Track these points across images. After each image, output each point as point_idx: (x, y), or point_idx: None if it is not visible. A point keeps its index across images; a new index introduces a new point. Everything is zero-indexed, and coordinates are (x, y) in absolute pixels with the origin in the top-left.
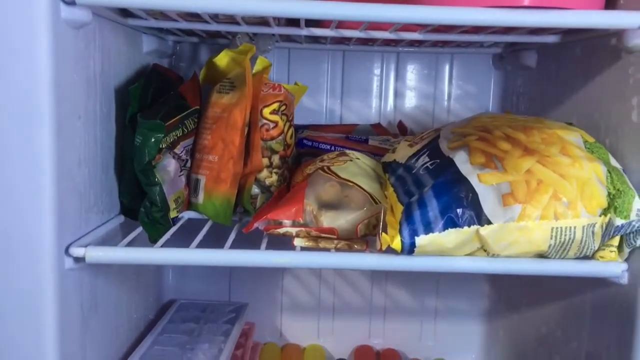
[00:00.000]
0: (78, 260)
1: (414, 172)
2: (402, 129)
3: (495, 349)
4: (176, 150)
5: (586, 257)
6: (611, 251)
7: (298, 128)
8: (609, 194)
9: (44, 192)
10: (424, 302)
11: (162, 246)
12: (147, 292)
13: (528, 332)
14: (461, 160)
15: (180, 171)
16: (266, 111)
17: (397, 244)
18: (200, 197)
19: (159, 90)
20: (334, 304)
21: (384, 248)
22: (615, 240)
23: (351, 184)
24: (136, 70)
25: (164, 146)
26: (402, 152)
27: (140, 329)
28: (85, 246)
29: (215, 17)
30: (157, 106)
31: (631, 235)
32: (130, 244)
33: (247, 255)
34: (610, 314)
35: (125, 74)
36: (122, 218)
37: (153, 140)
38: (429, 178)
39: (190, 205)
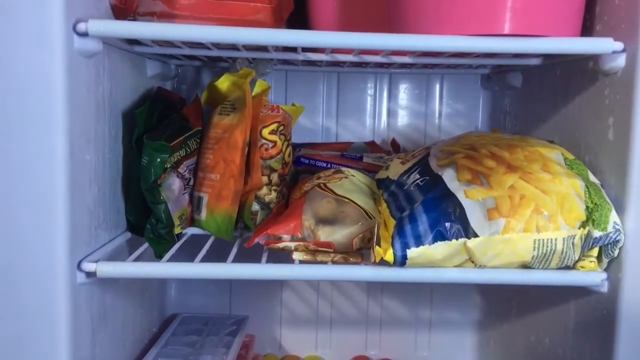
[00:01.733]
0: (89, 275)
1: (405, 188)
2: (395, 147)
3: (487, 358)
4: (180, 170)
5: (568, 268)
6: (591, 261)
7: (296, 146)
8: (587, 207)
9: (58, 210)
10: (418, 314)
11: (167, 261)
12: (152, 306)
13: (518, 341)
14: (449, 177)
15: (184, 189)
16: (265, 131)
17: (389, 256)
18: (203, 214)
19: (163, 112)
20: (332, 316)
21: (377, 260)
22: (595, 251)
23: (347, 200)
24: (141, 94)
25: (168, 166)
26: (394, 170)
27: (145, 342)
28: (96, 261)
29: (217, 44)
30: (162, 128)
31: (609, 246)
32: (137, 259)
33: (249, 269)
34: (592, 321)
35: (132, 97)
36: (128, 235)
37: (159, 160)
38: (419, 194)
39: (193, 221)
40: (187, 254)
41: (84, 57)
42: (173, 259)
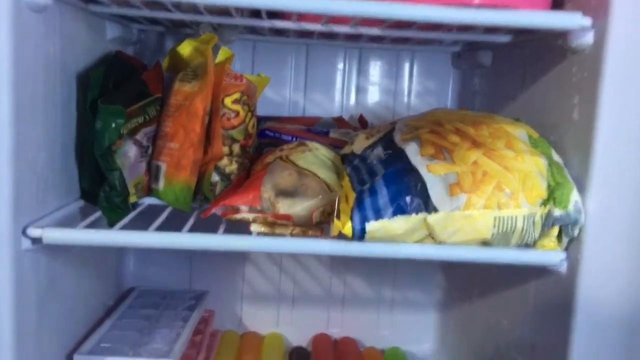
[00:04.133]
0: (35, 241)
1: (368, 162)
2: (363, 123)
3: (449, 339)
4: (137, 137)
5: (528, 246)
6: (551, 241)
7: (261, 119)
8: (549, 186)
9: (1, 171)
10: (381, 293)
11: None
12: (107, 278)
13: (478, 322)
14: (412, 151)
15: (141, 157)
16: (228, 100)
17: (348, 229)
18: (161, 184)
19: (121, 77)
20: (294, 293)
21: (335, 234)
22: (555, 230)
23: (308, 172)
24: (99, 57)
25: (124, 132)
26: (359, 144)
27: (99, 314)
28: (43, 227)
29: (178, 6)
30: (119, 92)
31: (569, 225)
32: (89, 227)
33: (203, 239)
34: (550, 302)
35: (87, 60)
36: (81, 202)
37: (113, 125)
38: (382, 168)
39: (150, 191)
40: (143, 225)
41: (33, 12)
42: (127, 228)
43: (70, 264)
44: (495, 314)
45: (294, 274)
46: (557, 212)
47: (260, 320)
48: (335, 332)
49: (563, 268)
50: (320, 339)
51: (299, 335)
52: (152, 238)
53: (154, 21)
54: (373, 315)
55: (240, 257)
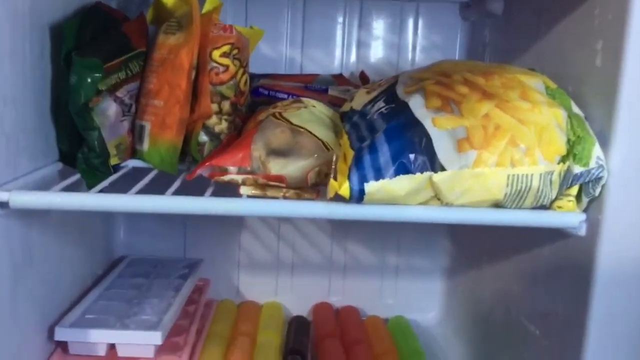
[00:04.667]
0: (3, 205)
1: (368, 117)
2: (364, 80)
3: (455, 307)
4: (118, 94)
5: (543, 207)
6: (569, 201)
7: (255, 77)
8: (569, 140)
9: None
10: (384, 259)
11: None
12: (95, 246)
13: (486, 289)
14: (416, 104)
15: (123, 116)
16: (216, 54)
17: (345, 190)
18: (145, 145)
19: (100, 29)
20: (293, 260)
21: (332, 195)
22: (574, 190)
23: (303, 130)
24: (76, 8)
25: (103, 88)
26: (359, 99)
27: (87, 284)
28: (10, 191)
29: None
30: (97, 44)
31: (590, 184)
32: (65, 191)
33: (189, 202)
34: (567, 267)
35: (63, 11)
36: (60, 165)
37: (89, 80)
38: (382, 122)
39: (135, 153)
40: (125, 188)
41: None
42: (107, 192)
43: (50, 231)
44: (505, 280)
45: (293, 241)
46: (577, 169)
47: (258, 288)
48: (337, 301)
49: (582, 230)
50: (321, 308)
51: (299, 304)
52: (130, 202)
53: None
54: (376, 283)
55: (236, 224)
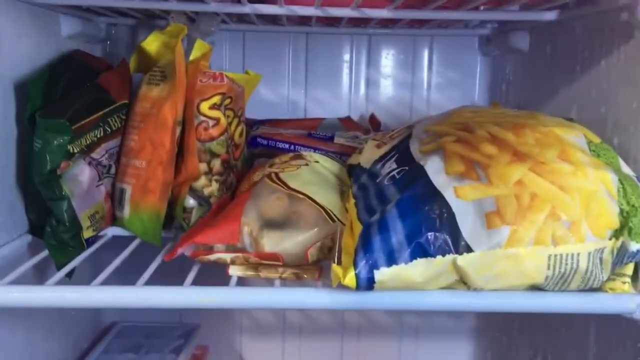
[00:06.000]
0: None
1: (378, 181)
2: (374, 124)
3: None
4: (94, 155)
5: (592, 289)
6: (624, 282)
7: (253, 124)
8: (622, 211)
9: None
10: (402, 319)
11: (70, 275)
12: (77, 318)
13: (520, 359)
14: (434, 168)
15: (100, 180)
16: (204, 106)
17: (350, 280)
18: (126, 211)
19: (76, 82)
20: (301, 322)
21: (334, 285)
22: (629, 269)
23: (302, 196)
24: (50, 59)
25: (76, 150)
26: (367, 154)
27: None
28: None
29: None
30: (66, 101)
31: None
32: (38, 269)
33: (162, 294)
34: (619, 350)
35: (31, 64)
36: (29, 237)
37: (56, 143)
38: (395, 191)
39: (115, 219)
40: (104, 263)
41: None
42: (80, 270)
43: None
44: (542, 353)
45: None
46: (634, 245)
47: (263, 355)
48: None
49: (639, 315)
50: None
51: None
52: (92, 296)
53: (120, 12)
54: (394, 345)
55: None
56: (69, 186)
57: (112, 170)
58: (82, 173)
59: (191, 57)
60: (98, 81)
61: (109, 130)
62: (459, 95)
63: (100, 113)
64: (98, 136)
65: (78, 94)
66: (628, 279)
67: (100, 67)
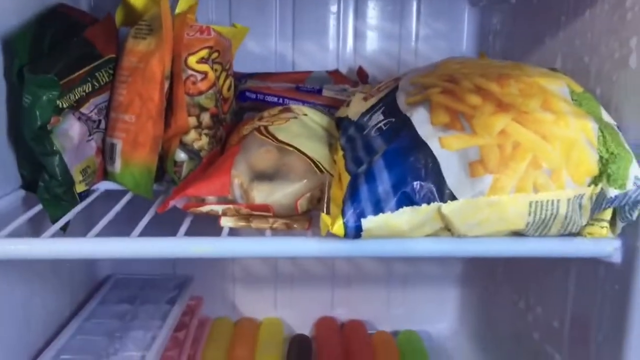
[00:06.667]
0: None
1: (365, 132)
2: (362, 76)
3: (470, 318)
4: (83, 110)
5: (571, 234)
6: (602, 227)
7: (241, 77)
8: (601, 158)
9: None
10: (391, 267)
11: (64, 228)
12: (74, 270)
13: (504, 304)
14: (420, 119)
15: (90, 135)
16: (192, 60)
17: (339, 228)
18: (117, 165)
19: (61, 37)
20: (293, 272)
21: (323, 233)
22: (607, 214)
23: (291, 148)
24: (36, 14)
25: (65, 105)
26: (355, 107)
27: (66, 313)
28: None
29: None
30: (54, 56)
31: (626, 207)
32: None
33: (156, 244)
34: (599, 294)
35: (18, 17)
36: (23, 193)
37: (45, 99)
38: (382, 142)
39: (107, 174)
40: (98, 217)
41: None
42: (75, 223)
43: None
44: (525, 299)
45: None
46: (612, 191)
47: (256, 304)
48: (341, 315)
49: (617, 258)
50: (324, 323)
51: (300, 319)
52: (84, 246)
53: None
54: (383, 294)
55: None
56: (59, 141)
57: (102, 125)
58: (72, 128)
59: (177, 10)
60: (84, 35)
61: (97, 85)
62: (447, 47)
63: (88, 67)
64: (86, 91)
65: (65, 48)
66: (606, 224)
67: (85, 21)
